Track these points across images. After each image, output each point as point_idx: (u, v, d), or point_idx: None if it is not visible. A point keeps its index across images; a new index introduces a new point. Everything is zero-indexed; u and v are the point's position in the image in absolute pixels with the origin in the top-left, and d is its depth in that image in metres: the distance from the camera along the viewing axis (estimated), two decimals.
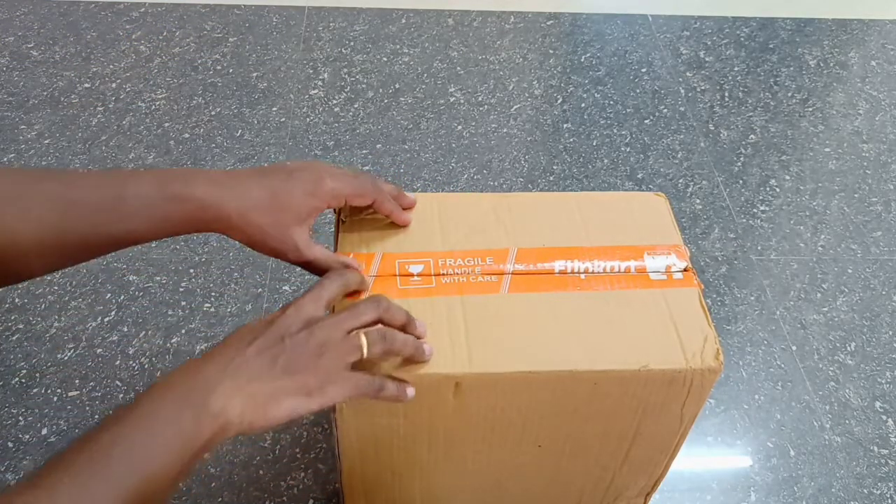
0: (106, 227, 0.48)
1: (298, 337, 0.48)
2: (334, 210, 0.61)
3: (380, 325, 0.52)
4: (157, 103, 1.30)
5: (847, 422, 0.92)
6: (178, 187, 0.49)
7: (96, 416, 0.87)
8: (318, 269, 0.56)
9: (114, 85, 1.33)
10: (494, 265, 0.60)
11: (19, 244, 0.46)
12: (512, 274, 0.60)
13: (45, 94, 1.30)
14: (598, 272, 0.60)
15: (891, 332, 1.03)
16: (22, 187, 0.46)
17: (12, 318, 0.96)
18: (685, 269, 0.62)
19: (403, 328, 0.54)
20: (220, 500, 0.81)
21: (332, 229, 0.64)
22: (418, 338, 0.54)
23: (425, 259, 0.60)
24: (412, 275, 0.60)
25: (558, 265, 0.61)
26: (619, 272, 0.61)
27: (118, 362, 0.92)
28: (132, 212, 0.48)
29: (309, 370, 0.48)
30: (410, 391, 0.54)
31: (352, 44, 1.46)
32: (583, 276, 0.61)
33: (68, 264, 0.49)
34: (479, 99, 1.35)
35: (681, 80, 1.43)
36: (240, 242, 0.53)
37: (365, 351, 0.50)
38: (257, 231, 0.52)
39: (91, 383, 0.90)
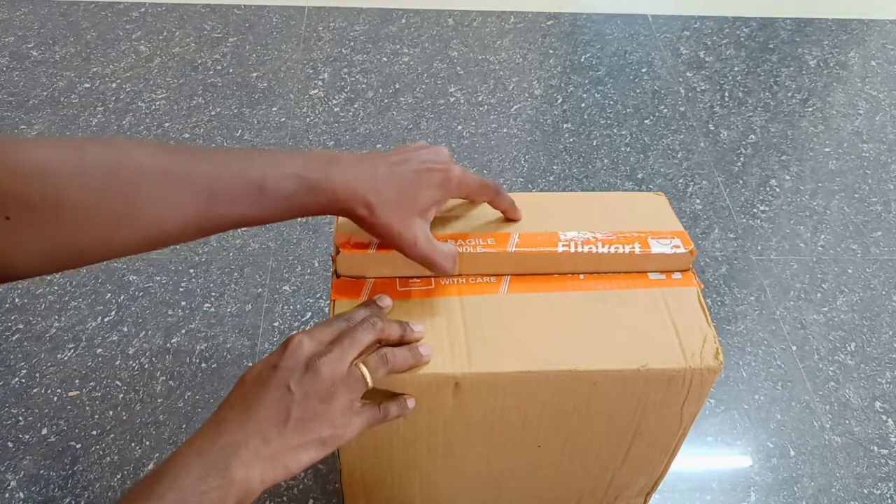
0: (244, 214, 0.49)
1: (305, 382, 0.48)
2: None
3: (379, 348, 0.53)
4: (157, 103, 1.30)
5: (847, 422, 0.92)
6: (316, 178, 0.50)
7: (96, 416, 0.87)
8: (431, 267, 0.56)
9: (114, 85, 1.33)
10: (496, 246, 0.59)
11: (163, 230, 0.47)
12: (515, 251, 0.59)
13: (45, 94, 1.30)
14: (603, 253, 0.59)
15: (891, 332, 1.02)
16: (169, 179, 0.47)
17: (12, 318, 0.96)
18: (685, 269, 0.62)
19: (400, 340, 0.54)
20: None
21: (332, 230, 0.64)
22: (416, 341, 0.55)
23: None
24: (412, 275, 0.60)
25: (561, 246, 0.60)
26: (624, 254, 0.60)
27: (118, 362, 0.92)
28: (271, 202, 0.49)
29: (320, 419, 0.49)
30: (411, 403, 0.55)
31: (352, 44, 1.46)
32: (582, 276, 0.61)
33: (199, 239, 0.50)
34: (479, 99, 1.35)
35: (681, 80, 1.43)
36: (363, 229, 0.54)
37: (369, 382, 0.51)
38: (383, 224, 0.52)
39: (91, 383, 0.90)
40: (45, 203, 0.43)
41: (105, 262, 1.04)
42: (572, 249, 0.59)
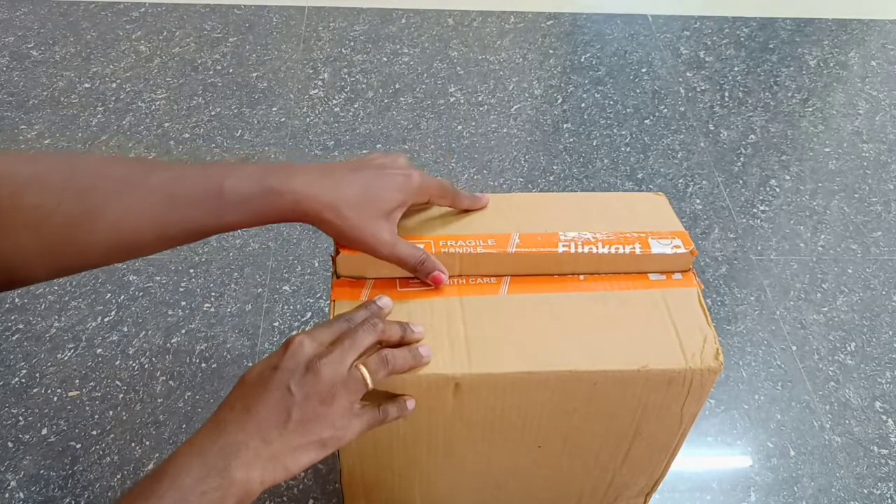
0: (204, 219, 0.50)
1: (305, 383, 0.48)
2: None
3: (380, 350, 0.53)
4: (157, 103, 1.30)
5: (847, 422, 0.92)
6: (276, 182, 0.51)
7: (96, 416, 0.87)
8: (404, 266, 0.57)
9: (114, 85, 1.33)
10: (496, 247, 0.59)
11: (120, 236, 0.47)
12: (515, 251, 0.59)
13: (45, 94, 1.30)
14: (603, 253, 0.59)
15: (891, 332, 1.02)
16: (128, 182, 0.47)
17: (12, 318, 0.96)
18: (686, 270, 0.62)
19: (401, 341, 0.54)
20: None
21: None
22: (416, 342, 0.55)
23: (426, 240, 0.60)
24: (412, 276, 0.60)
25: (562, 246, 0.60)
26: (624, 254, 0.60)
27: (118, 362, 0.92)
28: (231, 206, 0.50)
29: (321, 421, 0.49)
30: (411, 404, 0.55)
31: (352, 44, 1.46)
32: (582, 277, 0.61)
33: (160, 251, 0.51)
34: (479, 99, 1.35)
35: (681, 80, 1.43)
36: (329, 235, 0.55)
37: (370, 383, 0.51)
38: (347, 225, 0.53)
39: (91, 383, 0.90)
40: (1, 207, 0.43)
41: None
42: (572, 250, 0.59)
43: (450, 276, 0.60)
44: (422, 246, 0.58)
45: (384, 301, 0.56)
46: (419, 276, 0.58)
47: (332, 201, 0.52)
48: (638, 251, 0.60)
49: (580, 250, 0.59)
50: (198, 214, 0.49)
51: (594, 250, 0.60)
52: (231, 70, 1.38)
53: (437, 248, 0.59)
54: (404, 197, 0.56)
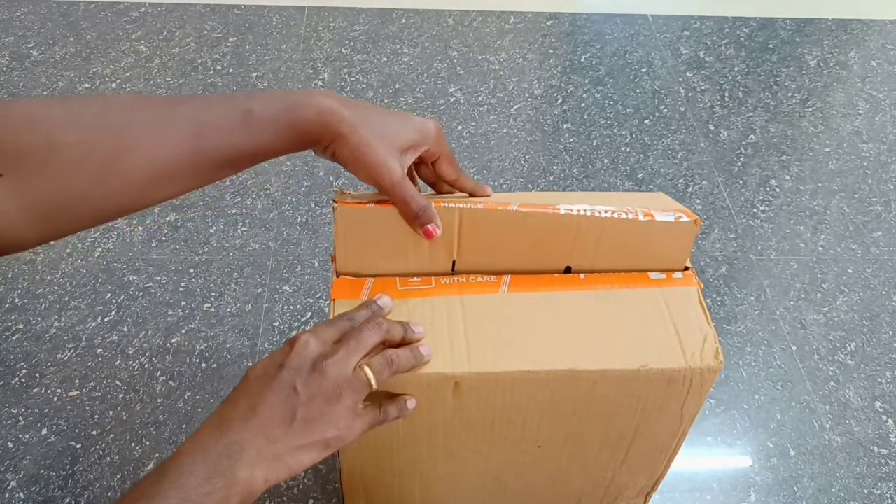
0: (237, 143, 0.49)
1: (311, 383, 0.48)
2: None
3: (383, 350, 0.53)
4: None
5: (847, 422, 0.92)
6: (300, 97, 0.50)
7: (96, 416, 0.87)
8: (405, 205, 0.55)
9: (114, 85, 1.33)
10: (496, 204, 0.58)
11: (158, 168, 0.47)
12: (517, 210, 0.57)
13: (45, 94, 1.30)
14: (605, 216, 0.58)
15: (891, 332, 1.02)
16: (158, 114, 0.48)
17: (12, 318, 0.96)
18: (685, 269, 0.62)
19: (403, 341, 0.54)
20: None
21: (332, 230, 0.64)
22: (417, 342, 0.55)
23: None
24: (412, 275, 0.60)
25: (563, 208, 0.58)
26: (627, 219, 0.58)
27: (118, 362, 0.92)
28: (259, 125, 0.49)
29: (325, 421, 0.49)
30: (411, 404, 0.55)
31: (352, 44, 1.46)
32: (583, 276, 0.61)
33: (199, 185, 0.51)
34: (479, 99, 1.35)
35: (681, 80, 1.43)
36: (341, 160, 0.53)
37: (374, 384, 0.51)
38: (363, 142, 0.52)
39: (91, 383, 0.90)
40: (37, 150, 0.43)
41: (105, 262, 1.05)
42: (575, 213, 0.58)
43: (449, 274, 0.60)
44: (427, 200, 0.56)
45: (384, 300, 0.57)
46: (414, 224, 0.56)
47: (352, 117, 0.51)
48: (642, 218, 0.58)
49: (583, 213, 0.58)
50: (230, 138, 0.49)
51: (598, 214, 0.58)
52: (231, 70, 1.38)
53: (437, 203, 0.57)
54: (421, 139, 0.55)
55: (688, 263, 0.62)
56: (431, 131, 0.56)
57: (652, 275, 0.61)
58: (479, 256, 0.59)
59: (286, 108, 0.50)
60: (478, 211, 0.57)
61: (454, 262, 0.60)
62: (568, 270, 0.61)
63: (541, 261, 0.60)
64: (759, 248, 1.13)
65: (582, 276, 0.61)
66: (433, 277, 0.60)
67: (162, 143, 0.47)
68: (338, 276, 0.59)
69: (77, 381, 0.90)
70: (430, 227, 0.55)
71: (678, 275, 0.61)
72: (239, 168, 0.51)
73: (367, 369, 0.51)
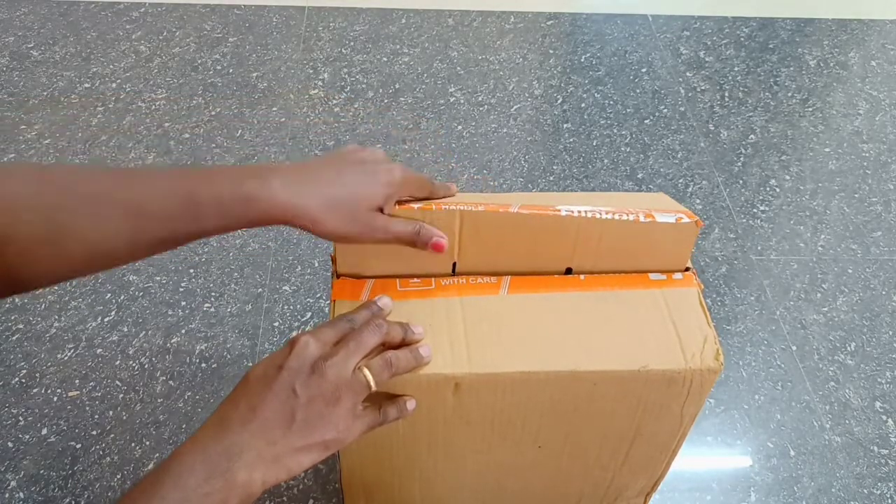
0: (178, 229, 0.48)
1: (310, 384, 0.48)
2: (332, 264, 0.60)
3: (382, 351, 0.53)
4: (157, 103, 1.30)
5: (847, 422, 0.92)
6: (254, 187, 0.48)
7: (96, 416, 0.87)
8: (402, 241, 0.55)
9: (114, 85, 1.33)
10: (497, 206, 0.57)
11: (93, 252, 0.47)
12: (517, 212, 0.57)
13: (45, 94, 1.30)
14: (606, 218, 0.58)
15: (891, 332, 1.02)
16: (95, 198, 0.47)
17: (12, 318, 0.96)
18: (686, 269, 0.62)
19: (402, 342, 0.54)
20: None
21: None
22: (417, 342, 0.55)
23: (425, 206, 0.58)
24: (412, 275, 0.60)
25: (564, 209, 0.58)
26: (628, 221, 0.58)
27: (118, 362, 0.92)
28: (206, 214, 0.48)
29: (325, 423, 0.49)
30: (411, 405, 0.55)
31: (352, 44, 1.46)
32: (583, 277, 0.61)
33: (137, 260, 0.50)
34: (479, 99, 1.35)
35: (681, 80, 1.43)
36: (319, 236, 0.52)
37: (373, 386, 0.51)
38: (341, 225, 0.51)
39: (91, 383, 0.90)
40: None
41: None
42: (575, 214, 0.57)
43: (450, 276, 0.60)
44: (416, 222, 0.56)
45: (384, 301, 0.57)
46: (420, 247, 0.56)
47: (320, 206, 0.49)
48: (642, 219, 0.58)
49: (584, 214, 0.57)
50: (170, 224, 0.47)
51: (598, 215, 0.57)
52: (231, 70, 1.38)
53: (438, 206, 0.57)
54: (391, 191, 0.54)
55: (688, 264, 0.62)
56: (397, 179, 0.54)
57: (652, 275, 0.61)
58: (480, 257, 0.59)
59: (239, 199, 0.48)
60: (478, 213, 0.57)
61: (454, 265, 0.60)
62: (569, 272, 0.61)
63: (542, 262, 0.60)
64: (759, 248, 1.13)
65: (582, 276, 0.61)
66: (433, 279, 0.60)
67: (97, 230, 0.46)
68: (338, 277, 0.59)
69: (77, 381, 0.90)
70: (434, 242, 0.56)
71: (678, 275, 0.61)
72: (180, 245, 0.50)
73: (366, 371, 0.51)
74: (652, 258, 0.61)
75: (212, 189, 0.48)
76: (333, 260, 0.59)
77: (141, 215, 0.47)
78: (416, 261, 0.59)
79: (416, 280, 0.59)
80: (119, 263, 0.49)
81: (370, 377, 0.51)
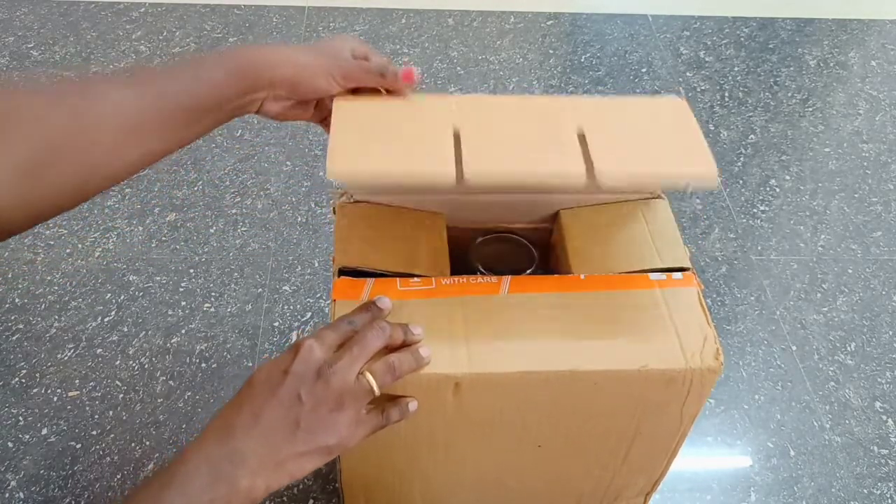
0: (191, 89, 0.52)
1: (315, 391, 0.49)
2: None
3: (385, 354, 0.53)
4: None
5: (847, 422, 0.92)
6: (232, 49, 0.54)
7: (96, 416, 0.87)
8: (368, 83, 0.59)
9: None
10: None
11: (124, 117, 0.49)
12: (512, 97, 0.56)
13: None
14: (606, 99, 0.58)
15: (891, 332, 1.03)
16: (115, 73, 0.53)
17: (12, 318, 0.96)
18: (685, 269, 0.62)
19: (403, 343, 0.54)
20: None
21: (332, 230, 0.64)
22: (417, 343, 0.55)
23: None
24: (412, 275, 0.60)
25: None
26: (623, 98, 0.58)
27: (118, 362, 0.92)
28: (207, 70, 0.52)
29: (328, 429, 0.49)
30: (412, 406, 0.55)
31: None
32: (583, 276, 0.61)
33: (168, 146, 0.52)
34: None
35: (681, 80, 1.43)
36: (287, 90, 0.56)
37: (376, 391, 0.51)
38: (305, 67, 0.56)
39: (91, 383, 0.90)
40: (2, 110, 0.44)
41: (105, 262, 1.05)
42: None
43: (448, 276, 0.60)
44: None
45: (384, 302, 0.56)
46: (386, 84, 0.59)
47: (285, 51, 0.55)
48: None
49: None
50: (185, 84, 0.51)
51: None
52: None
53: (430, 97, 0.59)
54: (352, 51, 0.58)
55: (688, 264, 0.62)
56: (352, 47, 0.58)
57: (652, 275, 0.61)
58: (484, 152, 0.56)
59: (224, 60, 0.53)
60: (474, 99, 0.59)
61: (460, 167, 0.55)
62: (583, 142, 0.56)
63: (549, 135, 0.57)
64: (759, 248, 1.13)
65: (582, 276, 0.61)
66: (433, 278, 0.60)
67: (124, 92, 0.49)
68: (338, 276, 0.59)
69: (77, 381, 0.90)
70: (403, 73, 0.59)
71: (678, 275, 0.61)
72: (202, 122, 0.53)
73: (369, 376, 0.51)
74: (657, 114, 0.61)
75: (209, 54, 0.54)
76: (334, 260, 0.59)
77: (158, 78, 0.51)
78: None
79: (416, 279, 0.59)
80: (151, 146, 0.51)
81: (373, 382, 0.51)
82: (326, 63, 0.56)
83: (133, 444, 0.84)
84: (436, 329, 0.56)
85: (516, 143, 0.56)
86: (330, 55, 0.57)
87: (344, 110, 0.57)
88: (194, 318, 0.97)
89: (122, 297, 0.99)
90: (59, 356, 0.92)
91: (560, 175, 0.55)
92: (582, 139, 0.56)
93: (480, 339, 0.56)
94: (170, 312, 0.98)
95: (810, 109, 1.39)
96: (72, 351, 0.93)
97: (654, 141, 0.58)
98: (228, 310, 0.99)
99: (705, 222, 1.16)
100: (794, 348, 1.00)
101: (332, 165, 0.53)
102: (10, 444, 0.84)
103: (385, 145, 0.56)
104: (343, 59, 0.57)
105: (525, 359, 0.55)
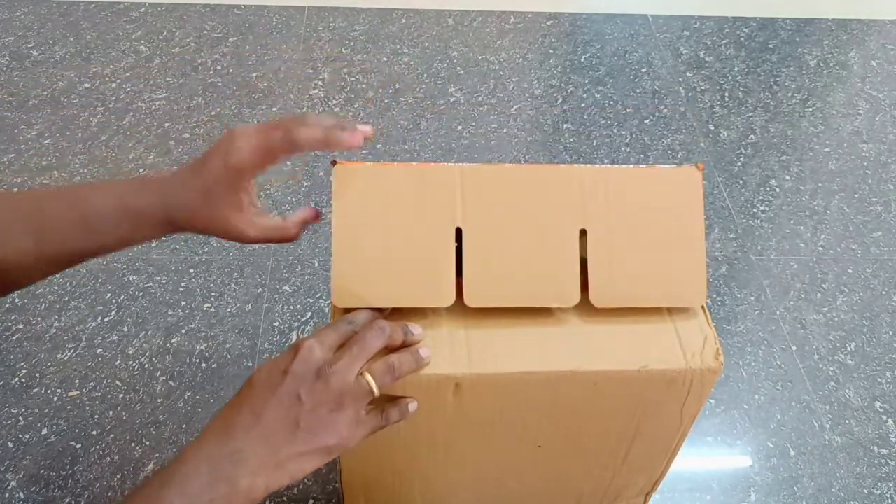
0: (77, 243, 0.50)
1: (315, 391, 0.49)
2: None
3: (385, 354, 0.53)
4: (157, 103, 1.30)
5: (847, 422, 0.92)
6: (131, 201, 0.50)
7: (96, 416, 0.87)
8: (277, 241, 0.54)
9: (114, 85, 1.33)
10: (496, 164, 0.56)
11: (3, 268, 0.49)
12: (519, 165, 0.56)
13: (45, 94, 1.30)
14: (609, 166, 0.57)
15: (891, 332, 1.03)
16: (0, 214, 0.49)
17: (12, 318, 0.96)
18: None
19: (403, 343, 0.54)
20: None
21: (331, 229, 0.64)
22: (416, 343, 0.55)
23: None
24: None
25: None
26: (630, 167, 0.58)
27: (118, 362, 0.92)
28: (97, 229, 0.50)
29: (328, 429, 0.49)
30: (412, 406, 0.55)
31: (352, 44, 1.46)
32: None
33: (49, 276, 0.52)
34: (479, 99, 1.35)
35: (681, 80, 1.43)
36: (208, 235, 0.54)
37: (376, 392, 0.51)
38: (204, 223, 0.50)
39: (91, 383, 0.90)
40: None
41: (105, 262, 1.05)
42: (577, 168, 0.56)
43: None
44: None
45: None
46: (335, 145, 0.53)
47: (179, 206, 0.50)
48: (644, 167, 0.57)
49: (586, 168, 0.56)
50: (69, 239, 0.50)
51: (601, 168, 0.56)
52: (231, 70, 1.38)
53: (435, 164, 0.56)
54: (236, 164, 0.49)
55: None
56: (234, 148, 0.49)
57: None
58: (486, 219, 0.56)
59: (121, 213, 0.49)
60: (479, 168, 0.56)
61: (459, 230, 0.56)
62: (583, 234, 0.57)
63: (552, 220, 0.57)
64: (759, 248, 1.13)
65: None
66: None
67: (4, 245, 0.48)
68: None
69: (77, 381, 0.90)
70: (347, 137, 0.53)
71: None
72: (88, 259, 0.52)
73: (368, 377, 0.51)
74: (663, 206, 0.62)
75: (97, 204, 0.50)
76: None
77: (42, 230, 0.49)
78: (418, 286, 0.57)
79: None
80: (30, 281, 0.52)
81: (373, 383, 0.51)
82: (235, 226, 0.50)
83: (133, 444, 0.84)
84: (436, 329, 0.56)
85: (516, 256, 0.56)
86: (221, 202, 0.49)
87: (343, 217, 0.56)
88: (194, 318, 0.97)
89: (122, 297, 0.99)
90: (59, 356, 0.92)
91: (555, 300, 0.57)
92: (583, 238, 0.57)
93: (480, 339, 0.56)
94: (170, 312, 0.98)
95: (810, 109, 1.39)
96: (72, 351, 0.93)
97: (653, 254, 0.59)
98: (228, 310, 0.99)
99: (705, 222, 1.16)
100: (794, 348, 1.00)
101: (339, 300, 0.55)
102: (10, 444, 0.84)
103: (386, 269, 0.55)
104: (242, 223, 0.50)
105: (525, 359, 0.55)
